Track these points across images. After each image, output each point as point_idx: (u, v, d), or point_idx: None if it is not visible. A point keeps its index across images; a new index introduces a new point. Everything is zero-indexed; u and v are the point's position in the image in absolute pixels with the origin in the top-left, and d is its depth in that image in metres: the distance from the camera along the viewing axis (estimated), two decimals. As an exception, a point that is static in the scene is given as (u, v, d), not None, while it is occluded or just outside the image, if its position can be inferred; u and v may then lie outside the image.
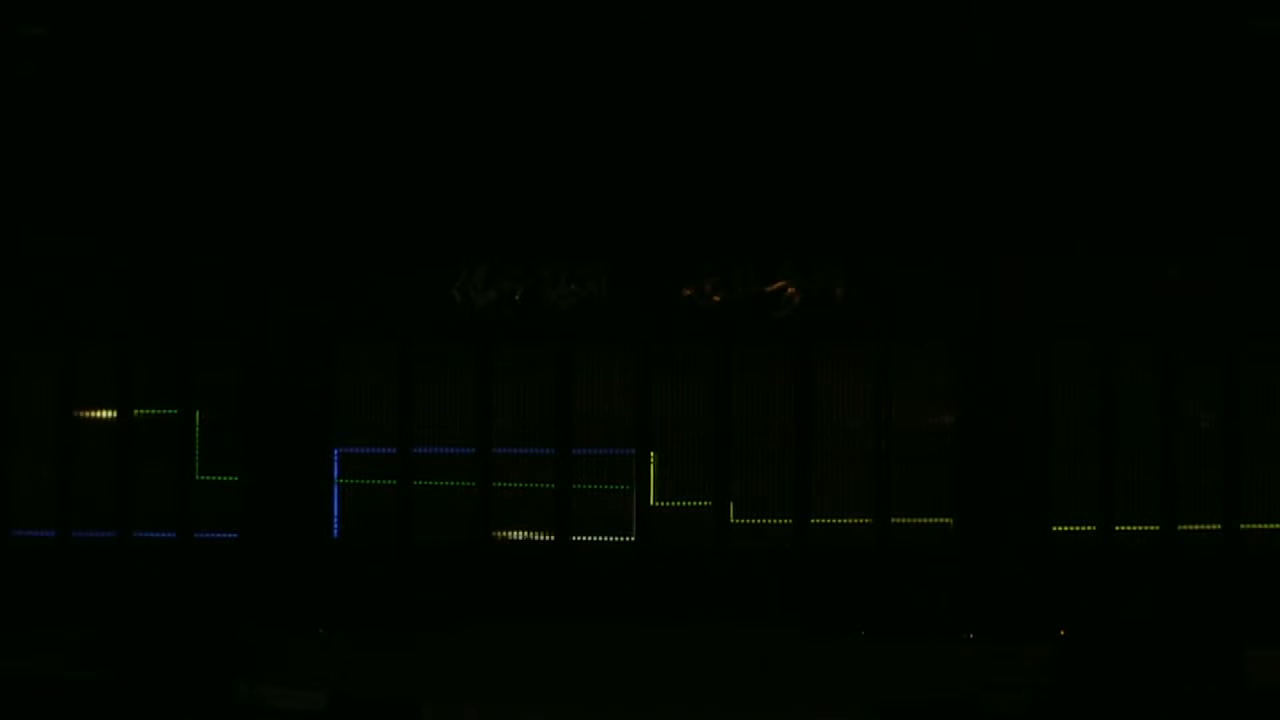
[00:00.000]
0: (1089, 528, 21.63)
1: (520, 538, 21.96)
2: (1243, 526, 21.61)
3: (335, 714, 15.32)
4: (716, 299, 21.91)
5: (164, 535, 21.88)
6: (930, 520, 21.76)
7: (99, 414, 22.03)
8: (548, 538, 21.95)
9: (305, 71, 21.55)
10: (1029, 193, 21.54)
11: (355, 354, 22.03)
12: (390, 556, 21.83)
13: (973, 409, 21.64)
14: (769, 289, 21.88)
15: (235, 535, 21.87)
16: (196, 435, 21.98)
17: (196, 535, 21.88)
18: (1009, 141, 21.46)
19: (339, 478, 21.97)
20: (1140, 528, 21.65)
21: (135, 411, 22.00)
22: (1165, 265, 21.54)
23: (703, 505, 21.90)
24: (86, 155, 21.75)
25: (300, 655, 18.37)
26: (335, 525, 21.93)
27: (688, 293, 21.92)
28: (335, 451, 21.96)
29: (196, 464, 21.96)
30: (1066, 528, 21.66)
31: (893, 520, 21.80)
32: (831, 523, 21.86)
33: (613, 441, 21.96)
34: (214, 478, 21.97)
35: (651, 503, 21.92)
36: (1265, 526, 21.63)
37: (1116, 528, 21.63)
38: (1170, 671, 14.97)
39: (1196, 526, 21.63)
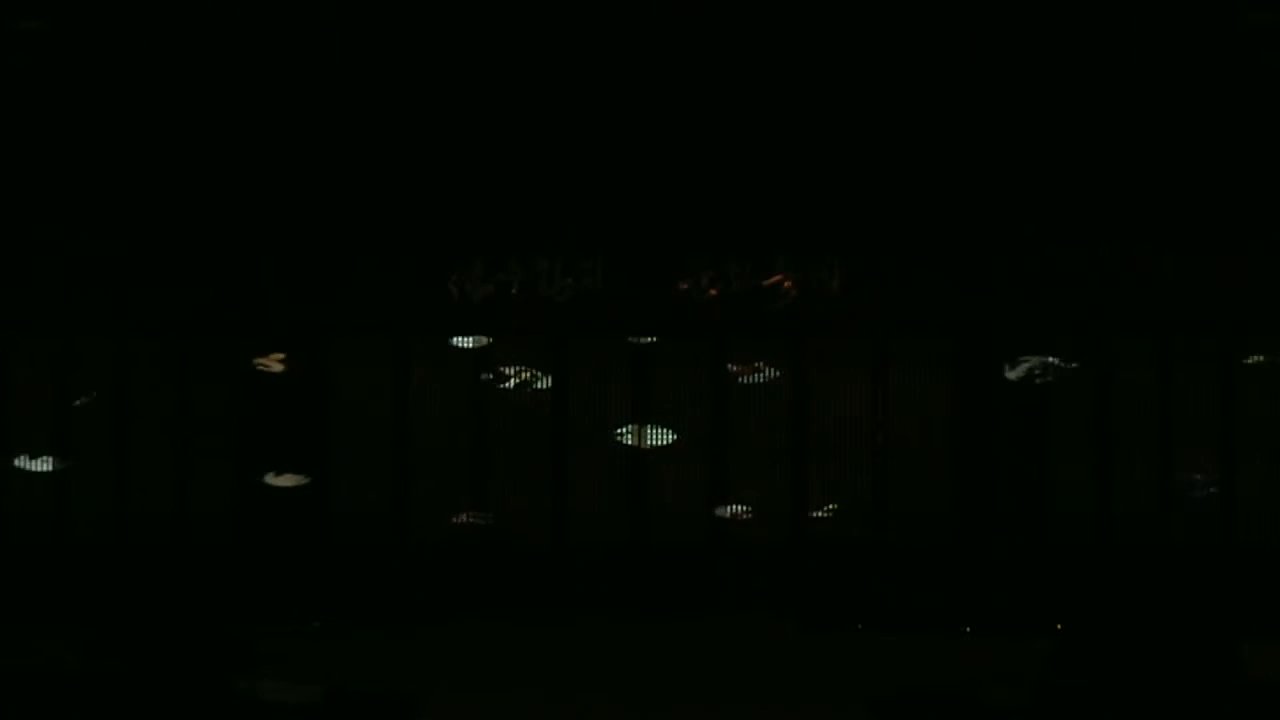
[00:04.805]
0: (1086, 522, 21.63)
1: (517, 532, 21.95)
2: (1238, 521, 21.61)
3: (332, 708, 15.33)
4: (713, 293, 21.90)
5: (161, 531, 21.84)
6: (927, 514, 21.76)
7: (96, 410, 21.99)
8: (545, 532, 21.95)
9: (302, 66, 21.52)
10: (1025, 186, 21.54)
11: (352, 348, 22.02)
12: (387, 551, 21.82)
13: (970, 402, 21.64)
14: (765, 283, 21.88)
15: (232, 530, 21.84)
16: (194, 430, 21.96)
17: (193, 531, 21.86)
18: (1004, 134, 21.45)
19: (335, 471, 21.94)
20: (1137, 522, 21.65)
21: (133, 407, 21.96)
22: (1163, 260, 21.56)
23: (699, 499, 21.90)
24: (83, 150, 21.71)
25: (297, 650, 18.37)
26: (331, 519, 21.90)
27: (684, 286, 21.92)
28: (330, 445, 21.94)
29: (194, 458, 21.93)
30: (1063, 522, 21.66)
31: (890, 514, 21.81)
32: (829, 517, 21.86)
33: (610, 436, 21.96)
34: (211, 472, 21.94)
35: (648, 497, 21.92)
36: (1261, 521, 21.63)
37: (1113, 522, 21.64)
38: (1167, 665, 14.98)
39: (1193, 521, 21.63)
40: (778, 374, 21.93)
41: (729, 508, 21.86)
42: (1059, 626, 19.91)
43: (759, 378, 21.95)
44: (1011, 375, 21.53)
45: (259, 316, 21.83)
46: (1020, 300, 21.60)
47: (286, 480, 21.62)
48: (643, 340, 21.96)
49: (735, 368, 21.92)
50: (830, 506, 21.86)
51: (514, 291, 21.96)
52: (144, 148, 21.71)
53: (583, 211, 21.81)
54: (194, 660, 14.97)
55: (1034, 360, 21.56)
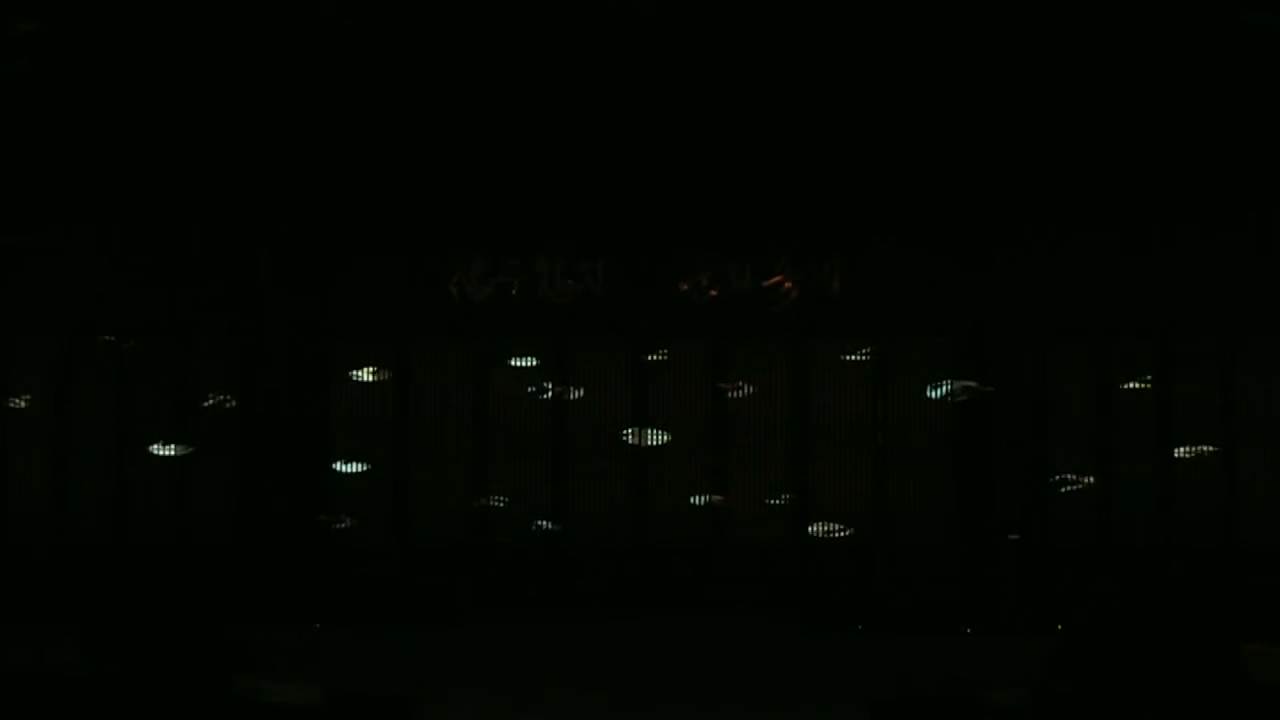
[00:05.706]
0: (1086, 522, 21.63)
1: (518, 533, 21.95)
2: (1240, 521, 21.61)
3: (332, 709, 15.32)
4: (713, 294, 21.90)
5: (161, 530, 21.84)
6: (928, 515, 21.76)
7: (95, 409, 21.99)
8: (546, 533, 21.94)
9: (302, 66, 21.52)
10: (1027, 186, 21.55)
11: (352, 349, 22.01)
12: (387, 552, 21.82)
13: (970, 403, 21.63)
14: (766, 284, 21.88)
15: (232, 530, 21.85)
16: (193, 429, 21.96)
17: (193, 530, 21.86)
18: (1007, 135, 21.46)
19: (336, 473, 21.94)
20: (1138, 522, 21.65)
21: (132, 404, 21.96)
22: (1163, 260, 21.56)
23: (700, 500, 21.90)
24: (82, 150, 21.71)
25: (297, 650, 18.35)
26: (332, 520, 21.90)
27: (684, 288, 21.92)
28: (332, 446, 21.93)
29: (194, 458, 21.93)
30: (1064, 522, 21.65)
31: (890, 515, 21.81)
32: (829, 518, 21.85)
33: (610, 437, 21.95)
34: (211, 472, 21.94)
35: (649, 498, 21.92)
36: (1263, 521, 21.63)
37: (1114, 522, 21.64)
38: (1168, 666, 14.97)
39: (1194, 522, 21.63)
40: (778, 374, 21.93)
41: (727, 507, 21.86)
42: (1059, 627, 19.89)
43: (759, 379, 21.95)
44: (934, 395, 21.60)
45: (259, 316, 21.83)
46: (1022, 300, 21.60)
47: (355, 467, 21.75)
48: (643, 341, 21.96)
49: (735, 369, 21.93)
50: (830, 507, 21.89)
51: (514, 293, 21.96)
52: (145, 148, 21.72)
53: (583, 212, 21.81)
54: (194, 660, 14.94)
55: (956, 384, 21.60)
